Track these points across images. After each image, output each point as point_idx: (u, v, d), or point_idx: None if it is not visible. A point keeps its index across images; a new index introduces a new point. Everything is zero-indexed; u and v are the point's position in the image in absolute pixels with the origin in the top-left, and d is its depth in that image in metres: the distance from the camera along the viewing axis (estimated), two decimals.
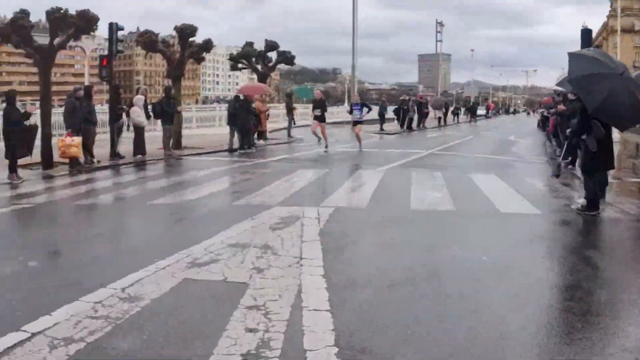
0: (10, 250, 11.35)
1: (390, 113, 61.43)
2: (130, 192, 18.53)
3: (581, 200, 14.94)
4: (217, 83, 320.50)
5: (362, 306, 7.85)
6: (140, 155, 27.65)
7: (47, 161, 23.78)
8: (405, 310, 7.73)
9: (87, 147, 24.99)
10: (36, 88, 27.49)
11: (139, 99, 28.63)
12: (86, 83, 33.92)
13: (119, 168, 25.10)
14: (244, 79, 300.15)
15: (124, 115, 28.44)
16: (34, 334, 6.87)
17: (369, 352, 6.36)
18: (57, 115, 29.74)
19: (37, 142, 22.85)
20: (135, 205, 16.42)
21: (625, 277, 9.79)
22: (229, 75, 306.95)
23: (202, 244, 11.00)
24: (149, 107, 30.78)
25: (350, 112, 34.40)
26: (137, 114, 27.96)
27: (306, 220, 13.18)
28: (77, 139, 23.49)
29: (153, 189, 18.82)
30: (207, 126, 53.82)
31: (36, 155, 22.91)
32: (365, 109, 33.46)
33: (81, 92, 25.06)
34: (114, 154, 27.29)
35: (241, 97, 34.38)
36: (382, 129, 53.00)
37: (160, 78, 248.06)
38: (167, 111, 29.59)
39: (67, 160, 23.86)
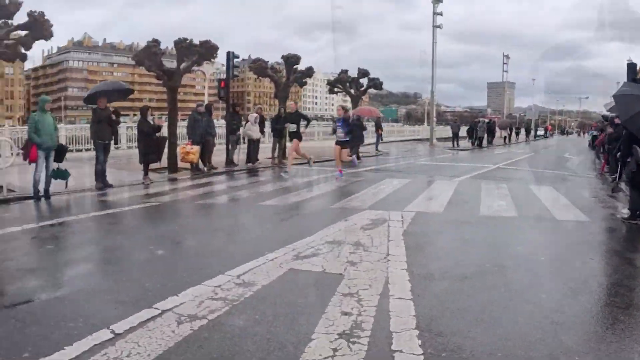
0: (142, 241, 11.78)
1: (463, 132, 61.11)
2: (242, 194, 18.77)
3: (625, 211, 14.80)
4: (316, 103, 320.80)
5: (439, 295, 7.94)
6: (250, 163, 28.00)
7: (172, 166, 24.43)
8: (475, 299, 7.79)
9: (206, 155, 25.61)
10: (163, 104, 27.92)
11: (252, 116, 28.97)
12: (206, 101, 34.31)
13: (233, 174, 25.38)
14: (339, 100, 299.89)
15: (240, 129, 28.83)
16: (164, 311, 7.15)
17: (445, 335, 6.46)
18: (181, 127, 30.18)
19: (165, 150, 23.35)
20: (247, 205, 16.64)
21: None
22: (326, 97, 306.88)
23: (304, 240, 11.15)
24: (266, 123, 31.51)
25: (334, 131, 25.48)
26: (249, 128, 28.33)
27: (392, 222, 13.20)
28: (195, 147, 24.17)
29: (261, 192, 18.96)
30: (307, 140, 54.12)
31: (164, 161, 23.39)
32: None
33: (202, 108, 25.74)
34: (229, 162, 27.72)
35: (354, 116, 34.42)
36: (456, 145, 52.68)
37: (267, 98, 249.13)
38: (276, 127, 30.24)
39: (188, 166, 24.43)
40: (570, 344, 6.30)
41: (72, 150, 32.01)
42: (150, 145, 21.90)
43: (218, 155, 27.82)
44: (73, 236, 12.53)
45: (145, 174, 21.78)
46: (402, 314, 7.07)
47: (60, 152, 18.35)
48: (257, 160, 28.90)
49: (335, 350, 6.01)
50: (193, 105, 27.12)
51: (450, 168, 30.11)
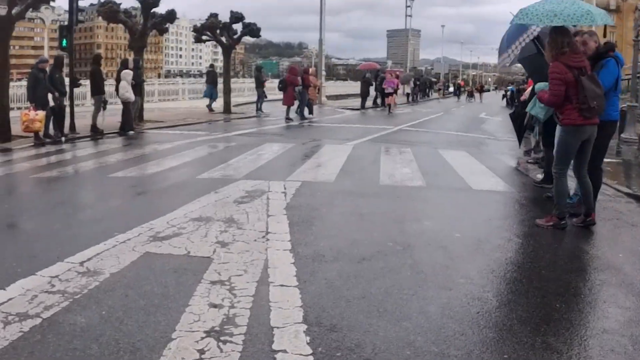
0: None
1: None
2: (92, 164, 18.32)
3: (540, 176, 15.29)
4: (180, 56, 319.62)
5: (331, 281, 7.75)
6: (131, 131, 27.60)
7: (4, 134, 23.49)
8: (377, 285, 7.62)
9: (60, 120, 25.01)
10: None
11: (127, 73, 28.18)
12: (46, 55, 33.41)
13: (95, 141, 24.91)
14: (208, 52, 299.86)
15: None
16: None
17: (339, 329, 6.24)
18: (15, 88, 29.49)
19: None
20: (97, 178, 16.20)
21: (590, 252, 9.84)
22: (192, 49, 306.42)
23: (164, 217, 10.89)
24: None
25: None
26: (126, 88, 27.67)
27: (272, 194, 13.08)
28: (41, 113, 23.36)
29: (114, 162, 18.61)
30: (170, 99, 53.90)
31: None
32: None
33: (45, 64, 24.55)
34: (93, 128, 26.89)
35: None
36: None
37: (121, 51, 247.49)
38: (137, 83, 29.40)
39: (28, 135, 23.57)
40: (497, 339, 6.19)
41: None
42: None
43: (80, 120, 27.43)
44: None
45: None
46: (285, 304, 6.85)
47: None
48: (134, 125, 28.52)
49: (201, 351, 5.73)
50: (32, 61, 26.18)
51: (343, 130, 30.32)
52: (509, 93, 65.94)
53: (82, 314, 6.64)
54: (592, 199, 10.98)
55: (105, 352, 5.75)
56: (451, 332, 6.23)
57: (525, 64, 15.76)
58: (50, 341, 5.97)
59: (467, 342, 6.03)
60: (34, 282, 7.59)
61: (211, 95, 43.11)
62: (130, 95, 27.79)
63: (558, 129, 10.80)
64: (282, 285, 7.47)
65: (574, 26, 12.11)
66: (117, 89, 28.49)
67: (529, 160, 18.98)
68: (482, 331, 6.31)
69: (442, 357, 5.67)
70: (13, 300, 6.98)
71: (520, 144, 19.65)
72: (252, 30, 45.06)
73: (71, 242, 9.44)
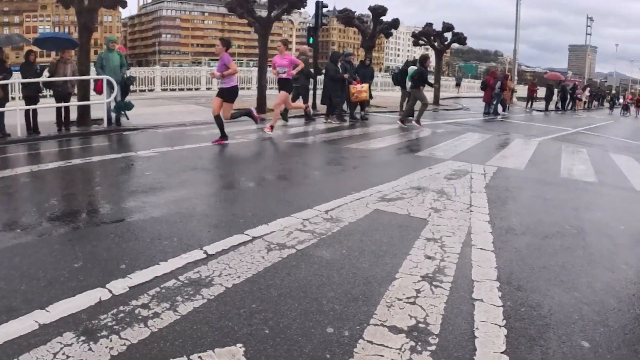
0: (234, 174, 12.06)
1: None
2: (328, 137, 18.73)
3: None
4: (398, 56, 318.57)
5: (519, 251, 7.82)
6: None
7: (261, 107, 25.03)
8: (555, 259, 7.63)
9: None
10: (249, 50, 27.74)
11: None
12: (293, 50, 34.72)
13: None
14: (419, 53, 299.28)
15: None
16: (254, 238, 7.35)
17: (524, 290, 6.38)
18: (269, 72, 30.56)
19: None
20: (335, 148, 16.72)
21: None
22: (408, 50, 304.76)
23: (390, 184, 11.30)
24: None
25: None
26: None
27: (474, 174, 13.15)
28: (365, 86, 25.05)
29: (348, 136, 19.31)
30: (389, 89, 54.16)
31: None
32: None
33: (352, 57, 26.39)
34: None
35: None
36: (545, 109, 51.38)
37: (351, 48, 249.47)
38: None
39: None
40: None
41: (166, 89, 38.15)
42: (336, 89, 23.82)
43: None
44: (171, 164, 13.05)
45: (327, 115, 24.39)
46: (483, 264, 7.02)
47: (125, 87, 19.79)
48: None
49: (418, 291, 6.02)
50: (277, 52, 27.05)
51: (530, 128, 29.80)
52: None
53: (327, 250, 7.10)
54: None
55: (345, 281, 6.15)
56: (611, 307, 6.21)
57: None
58: (303, 267, 6.46)
59: (623, 317, 6.01)
60: (289, 222, 8.18)
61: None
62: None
63: None
64: (481, 249, 7.62)
65: None
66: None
67: None
68: (636, 310, 6.27)
69: (602, 326, 5.70)
70: (273, 234, 7.57)
71: None
72: (460, 38, 45.07)
73: (318, 195, 9.99)
